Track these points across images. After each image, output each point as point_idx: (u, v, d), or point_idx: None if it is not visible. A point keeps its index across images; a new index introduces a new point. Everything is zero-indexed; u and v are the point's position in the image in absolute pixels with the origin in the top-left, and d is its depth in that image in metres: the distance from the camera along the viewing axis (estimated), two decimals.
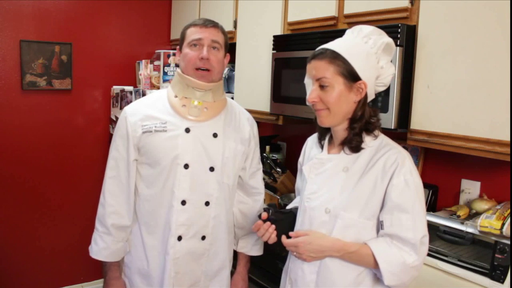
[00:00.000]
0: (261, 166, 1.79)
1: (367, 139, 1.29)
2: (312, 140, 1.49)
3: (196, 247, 1.58)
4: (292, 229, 1.39)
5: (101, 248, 1.57)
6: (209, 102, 1.56)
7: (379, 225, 1.26)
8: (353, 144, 1.28)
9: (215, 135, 1.56)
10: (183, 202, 1.53)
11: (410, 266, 1.20)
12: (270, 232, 1.34)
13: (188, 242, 1.55)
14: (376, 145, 1.29)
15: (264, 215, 1.35)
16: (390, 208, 1.23)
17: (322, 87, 1.25)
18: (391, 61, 1.32)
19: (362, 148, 1.28)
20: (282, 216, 1.41)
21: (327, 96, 1.24)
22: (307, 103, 1.30)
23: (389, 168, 1.23)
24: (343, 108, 1.25)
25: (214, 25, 1.54)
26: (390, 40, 1.29)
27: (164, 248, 1.55)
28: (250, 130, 1.68)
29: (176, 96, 1.56)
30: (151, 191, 1.56)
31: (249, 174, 1.71)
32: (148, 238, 1.57)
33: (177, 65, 3.01)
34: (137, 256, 1.60)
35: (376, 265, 1.22)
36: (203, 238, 1.58)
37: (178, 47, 1.61)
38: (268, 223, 1.35)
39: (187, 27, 1.57)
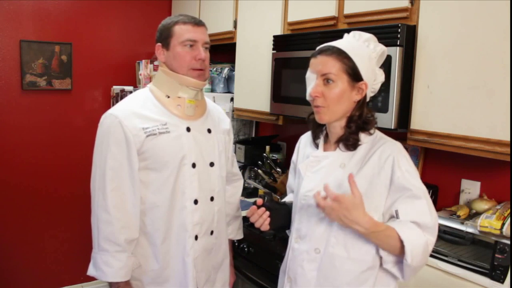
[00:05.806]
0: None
1: (362, 136, 1.30)
2: (305, 138, 1.50)
3: (208, 243, 1.59)
4: (285, 221, 1.42)
5: (118, 268, 1.44)
6: (199, 100, 1.59)
7: (382, 218, 1.25)
8: (349, 142, 1.29)
9: (209, 131, 1.60)
10: (195, 201, 1.52)
11: (429, 248, 1.21)
12: (263, 219, 1.33)
13: (202, 239, 1.56)
14: (371, 140, 1.30)
15: (259, 201, 1.36)
16: (404, 197, 1.22)
17: (326, 83, 1.25)
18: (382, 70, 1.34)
19: (358, 145, 1.30)
20: (276, 206, 1.42)
21: (330, 92, 1.25)
22: (308, 98, 1.30)
23: (385, 160, 1.24)
24: (343, 106, 1.26)
25: (203, 24, 1.55)
26: (386, 49, 1.33)
27: (181, 250, 1.52)
28: (229, 121, 1.76)
29: (168, 96, 1.53)
30: (160, 196, 1.50)
31: (231, 162, 1.78)
32: (161, 244, 1.51)
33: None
34: (147, 267, 1.53)
35: (399, 248, 1.19)
36: (211, 233, 1.60)
37: (159, 43, 1.53)
38: (263, 209, 1.34)
39: (174, 23, 1.50)
